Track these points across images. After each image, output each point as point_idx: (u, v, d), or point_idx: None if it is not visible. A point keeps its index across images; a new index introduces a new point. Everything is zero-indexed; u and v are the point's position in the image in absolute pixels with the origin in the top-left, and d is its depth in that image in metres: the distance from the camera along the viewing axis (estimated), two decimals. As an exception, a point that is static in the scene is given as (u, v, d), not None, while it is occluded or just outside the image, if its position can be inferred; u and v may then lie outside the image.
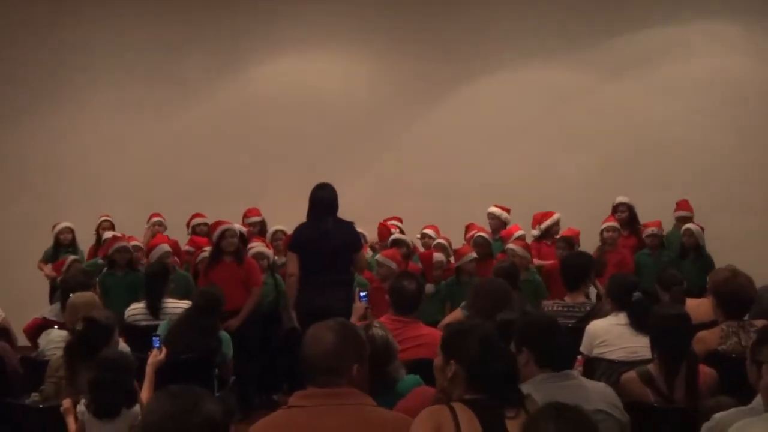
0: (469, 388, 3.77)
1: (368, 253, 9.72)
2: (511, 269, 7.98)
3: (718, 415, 4.06)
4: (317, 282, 7.77)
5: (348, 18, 12.91)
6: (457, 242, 10.12)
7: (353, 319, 6.54)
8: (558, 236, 9.89)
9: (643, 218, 10.49)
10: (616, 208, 10.51)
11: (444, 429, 3.54)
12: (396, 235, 9.92)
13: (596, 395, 4.30)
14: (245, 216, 10.64)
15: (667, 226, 10.57)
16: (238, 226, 9.52)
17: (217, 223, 9.42)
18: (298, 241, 8.09)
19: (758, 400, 3.99)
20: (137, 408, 5.23)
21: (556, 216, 10.33)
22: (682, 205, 10.76)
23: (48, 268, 10.36)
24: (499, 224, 10.47)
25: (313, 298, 7.65)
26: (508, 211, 10.60)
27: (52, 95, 12.90)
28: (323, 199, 8.05)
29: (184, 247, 10.19)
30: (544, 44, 12.63)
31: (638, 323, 6.03)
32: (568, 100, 12.64)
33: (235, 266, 9.04)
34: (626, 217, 10.43)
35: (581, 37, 12.59)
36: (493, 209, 10.60)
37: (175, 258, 9.62)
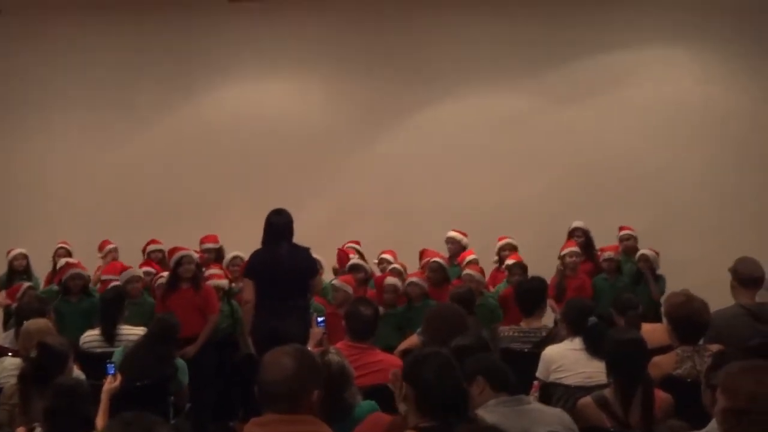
0: (420, 412, 3.76)
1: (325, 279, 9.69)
2: (466, 294, 8.00)
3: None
4: (273, 308, 7.77)
5: (302, 43, 12.91)
6: (415, 266, 10.13)
7: (310, 345, 6.54)
8: (509, 263, 9.88)
9: (597, 242, 10.53)
10: (572, 233, 10.51)
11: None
12: (354, 260, 9.90)
13: (552, 418, 4.34)
14: (202, 242, 10.54)
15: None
16: (193, 253, 9.46)
17: (174, 249, 9.38)
18: (253, 267, 8.12)
19: (713, 424, 4.01)
20: None
21: (503, 241, 10.38)
22: (625, 229, 10.77)
23: (2, 296, 10.23)
24: (458, 249, 10.46)
25: (268, 324, 7.63)
26: (465, 235, 10.61)
27: (4, 119, 12.79)
28: (278, 224, 8.07)
29: (141, 269, 10.08)
30: (500, 69, 12.72)
31: (593, 348, 6.05)
32: (524, 124, 12.71)
33: (192, 293, 8.99)
34: (583, 242, 10.43)
35: (536, 62, 12.71)
36: (452, 234, 10.60)
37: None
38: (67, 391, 5.20)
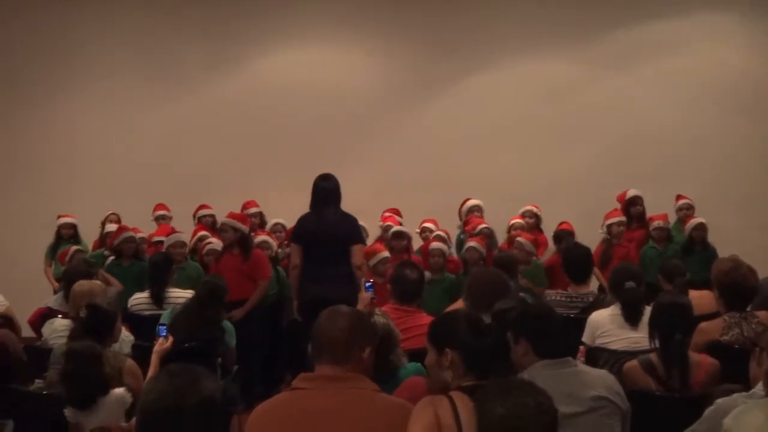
0: (466, 373, 3.78)
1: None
2: (508, 259, 7.99)
3: (719, 400, 4.10)
4: (319, 273, 7.81)
5: (347, 10, 12.91)
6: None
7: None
8: (557, 231, 9.96)
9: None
10: (633, 201, 10.44)
11: (443, 418, 3.53)
12: (396, 227, 9.91)
13: (597, 381, 4.29)
14: (244, 208, 10.63)
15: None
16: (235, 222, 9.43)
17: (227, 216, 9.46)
18: (301, 232, 8.16)
19: (759, 386, 4.01)
20: (117, 392, 5.26)
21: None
22: (683, 198, 10.71)
23: (52, 276, 10.37)
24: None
25: (314, 289, 7.67)
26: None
27: (52, 88, 12.81)
28: (325, 189, 8.11)
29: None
30: (543, 38, 12.66)
31: (627, 313, 6.09)
32: (566, 93, 12.66)
33: (241, 258, 9.02)
34: (642, 210, 10.42)
35: (579, 31, 12.64)
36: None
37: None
38: (77, 355, 5.28)
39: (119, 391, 5.27)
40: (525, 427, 2.92)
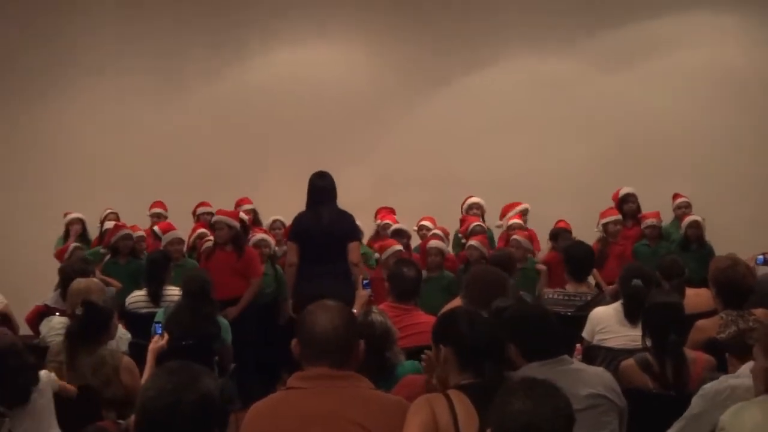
0: (461, 370, 3.78)
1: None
2: (505, 258, 7.97)
3: (707, 385, 4.13)
4: (315, 271, 7.81)
5: (347, 6, 12.92)
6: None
7: (356, 307, 6.55)
8: (555, 228, 9.97)
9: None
10: (625, 199, 10.48)
11: (440, 416, 3.54)
12: (396, 225, 9.92)
13: (594, 379, 4.29)
14: (237, 205, 10.63)
15: (665, 217, 10.50)
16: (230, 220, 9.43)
17: (217, 212, 9.48)
18: (297, 230, 8.14)
19: (743, 370, 4.03)
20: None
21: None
22: (680, 196, 10.72)
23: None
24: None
25: (310, 287, 7.64)
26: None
27: (53, 83, 12.80)
28: (321, 187, 8.10)
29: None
30: (544, 35, 12.67)
31: (629, 310, 6.09)
32: (568, 90, 12.66)
33: (234, 256, 9.05)
34: (636, 208, 10.43)
35: (580, 28, 12.66)
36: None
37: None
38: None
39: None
40: (537, 426, 2.92)
